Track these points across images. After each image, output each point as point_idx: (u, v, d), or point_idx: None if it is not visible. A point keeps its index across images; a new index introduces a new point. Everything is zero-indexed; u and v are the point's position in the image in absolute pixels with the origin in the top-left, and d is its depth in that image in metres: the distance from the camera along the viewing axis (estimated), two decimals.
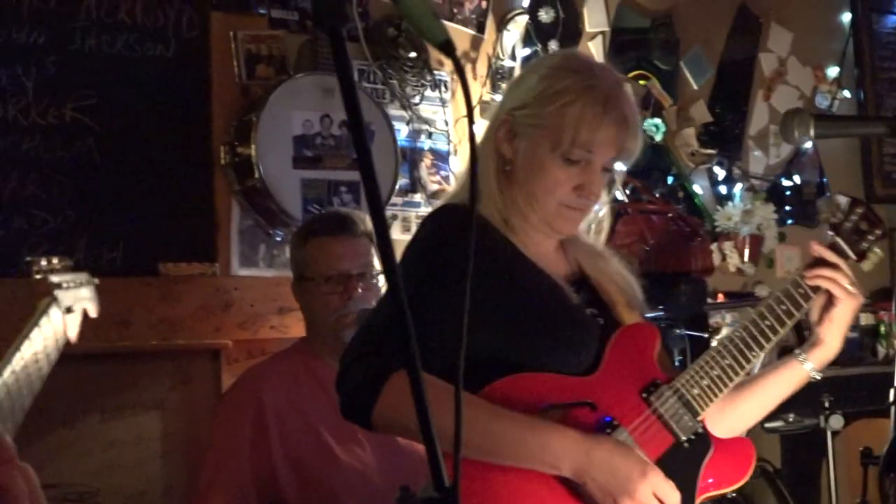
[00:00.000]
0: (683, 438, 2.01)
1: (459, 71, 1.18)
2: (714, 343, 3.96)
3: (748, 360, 2.07)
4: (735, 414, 2.13)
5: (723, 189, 4.81)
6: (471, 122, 1.25)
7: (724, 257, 4.64)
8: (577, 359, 1.99)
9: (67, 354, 2.93)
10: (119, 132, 3.28)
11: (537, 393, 1.93)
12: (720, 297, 4.31)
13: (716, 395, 2.04)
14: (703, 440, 2.03)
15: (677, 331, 3.52)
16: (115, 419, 3.23)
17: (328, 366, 2.84)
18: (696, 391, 2.03)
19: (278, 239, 3.51)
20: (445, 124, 3.96)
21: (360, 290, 2.78)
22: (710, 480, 2.04)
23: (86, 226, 3.21)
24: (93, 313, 1.61)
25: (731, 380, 2.05)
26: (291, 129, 3.41)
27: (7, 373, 1.19)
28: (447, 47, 1.17)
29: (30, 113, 3.15)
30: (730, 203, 4.69)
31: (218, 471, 2.70)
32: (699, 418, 2.03)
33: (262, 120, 3.30)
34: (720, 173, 4.81)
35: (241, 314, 3.42)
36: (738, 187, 4.81)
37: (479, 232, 1.97)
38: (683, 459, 2.00)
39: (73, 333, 1.48)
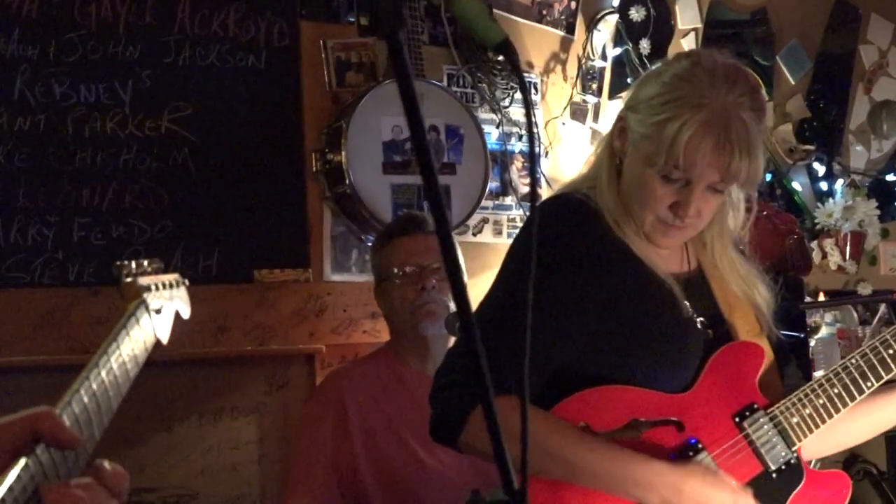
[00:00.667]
0: (773, 468, 1.92)
1: (517, 71, 1.16)
2: (812, 342, 3.91)
3: (861, 391, 1.94)
4: (843, 431, 2.04)
5: (823, 185, 4.71)
6: (529, 126, 1.24)
7: (824, 255, 4.52)
8: (675, 376, 1.93)
9: (166, 361, 3.02)
10: (213, 142, 3.34)
11: (625, 406, 1.89)
12: (821, 296, 4.20)
13: (817, 426, 1.93)
14: (794, 471, 1.94)
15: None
16: (213, 423, 3.29)
17: (412, 368, 2.87)
18: (795, 420, 1.92)
19: (370, 244, 3.54)
20: (535, 126, 3.94)
21: (434, 283, 2.80)
22: None
23: (182, 234, 3.28)
24: (185, 314, 1.60)
25: (837, 411, 1.93)
26: (381, 135, 3.44)
27: (95, 378, 1.20)
28: (505, 48, 1.15)
29: (127, 125, 3.24)
30: (830, 200, 4.57)
31: (301, 472, 2.74)
32: (794, 448, 1.93)
33: (351, 127, 3.34)
34: (820, 169, 4.71)
35: (335, 319, 3.47)
36: (838, 183, 4.70)
37: (591, 223, 1.92)
38: (770, 489, 1.91)
39: (163, 335, 1.47)
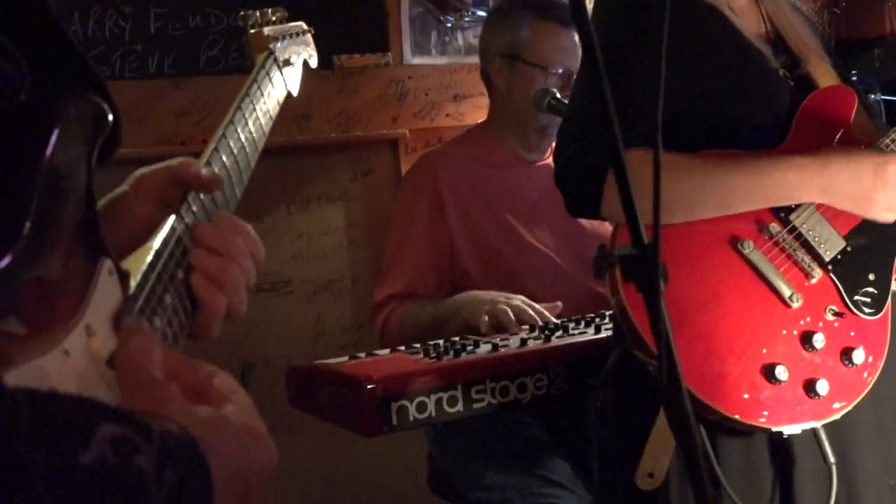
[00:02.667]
0: None
1: None
2: None
3: None
4: None
5: None
6: None
7: None
8: (765, 132, 1.88)
9: None
10: None
11: None
12: None
13: None
14: None
15: (872, 96, 3.32)
16: (302, 211, 3.31)
17: (509, 150, 2.82)
18: None
19: (449, 25, 3.45)
20: None
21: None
22: None
23: None
24: (313, 63, 1.55)
25: None
26: None
27: (232, 136, 1.17)
28: None
29: None
30: None
31: (396, 258, 2.74)
32: None
33: None
34: None
35: (417, 103, 3.42)
36: None
37: None
38: (879, 237, 1.88)
39: (293, 87, 1.44)
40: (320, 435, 2.77)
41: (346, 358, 2.33)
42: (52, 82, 0.80)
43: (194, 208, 1.06)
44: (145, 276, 0.94)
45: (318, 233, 3.30)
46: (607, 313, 2.34)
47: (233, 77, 3.07)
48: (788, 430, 1.78)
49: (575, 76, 2.67)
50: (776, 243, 1.84)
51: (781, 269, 1.83)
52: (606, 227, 2.77)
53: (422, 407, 2.04)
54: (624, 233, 1.63)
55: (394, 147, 3.40)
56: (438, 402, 2.05)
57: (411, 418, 2.03)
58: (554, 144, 2.82)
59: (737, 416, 1.74)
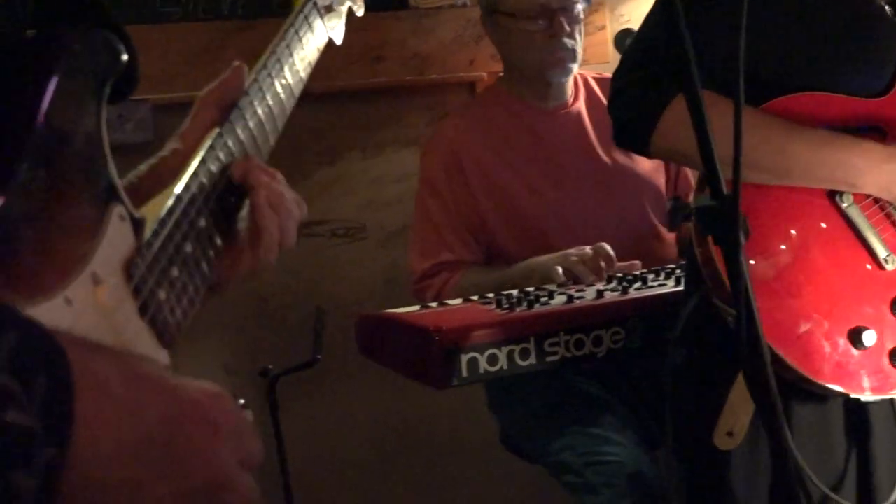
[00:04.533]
0: None
1: None
2: None
3: None
4: None
5: None
6: None
7: None
8: (869, 76, 1.75)
9: (324, 93, 2.96)
10: None
11: (819, 115, 1.72)
12: None
13: None
14: None
15: None
16: (376, 156, 3.26)
17: (532, 106, 2.72)
18: None
19: None
20: None
21: (566, 27, 2.58)
22: None
23: None
24: (359, 11, 1.51)
25: None
26: None
27: (265, 82, 1.14)
28: None
29: None
30: None
31: (427, 225, 2.68)
32: None
33: None
34: None
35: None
36: None
37: None
38: None
39: (336, 35, 1.39)
40: (392, 384, 2.73)
41: (417, 307, 2.28)
42: (58, 17, 0.76)
43: (226, 148, 1.03)
44: (162, 222, 0.90)
45: (392, 178, 3.24)
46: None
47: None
48: (867, 398, 1.69)
49: (567, 12, 2.56)
50: (876, 200, 1.73)
51: (879, 229, 1.72)
52: (644, 167, 2.67)
53: (493, 359, 1.99)
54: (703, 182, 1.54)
55: (471, 90, 3.31)
56: (510, 354, 1.99)
57: (482, 371, 1.98)
58: (571, 87, 2.73)
59: (815, 378, 1.65)
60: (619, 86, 1.82)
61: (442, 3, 3.25)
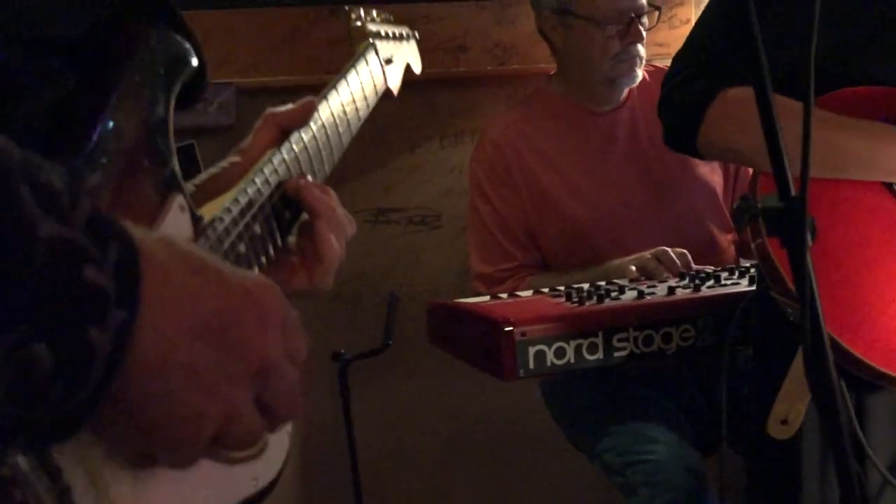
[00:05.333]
0: None
1: None
2: None
3: None
4: None
5: None
6: None
7: None
8: None
9: (406, 82, 2.97)
10: None
11: (873, 108, 1.69)
12: None
13: None
14: None
15: None
16: (455, 145, 3.27)
17: (584, 109, 2.69)
18: None
19: None
20: None
21: (642, 33, 2.57)
22: None
23: None
24: (416, 69, 1.59)
25: None
26: None
27: (325, 111, 1.18)
28: None
29: None
30: None
31: (483, 231, 2.66)
32: None
33: None
34: None
35: None
36: None
37: None
38: None
39: (394, 85, 1.46)
40: (461, 374, 2.73)
41: (487, 297, 2.29)
42: (138, 12, 0.79)
43: (284, 164, 1.07)
44: (219, 219, 0.93)
45: (468, 167, 3.24)
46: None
47: (391, 6, 3.02)
48: None
49: (641, 18, 2.53)
50: None
51: None
52: (701, 170, 2.63)
53: (560, 352, 1.98)
54: (765, 181, 1.52)
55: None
56: (578, 348, 1.98)
57: (549, 364, 1.98)
58: (626, 90, 2.70)
59: (877, 365, 1.63)
60: (667, 88, 1.81)
61: None
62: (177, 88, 0.85)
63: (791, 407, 1.67)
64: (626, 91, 2.70)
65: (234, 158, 1.07)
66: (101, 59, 0.76)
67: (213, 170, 1.06)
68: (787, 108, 1.56)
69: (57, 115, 0.73)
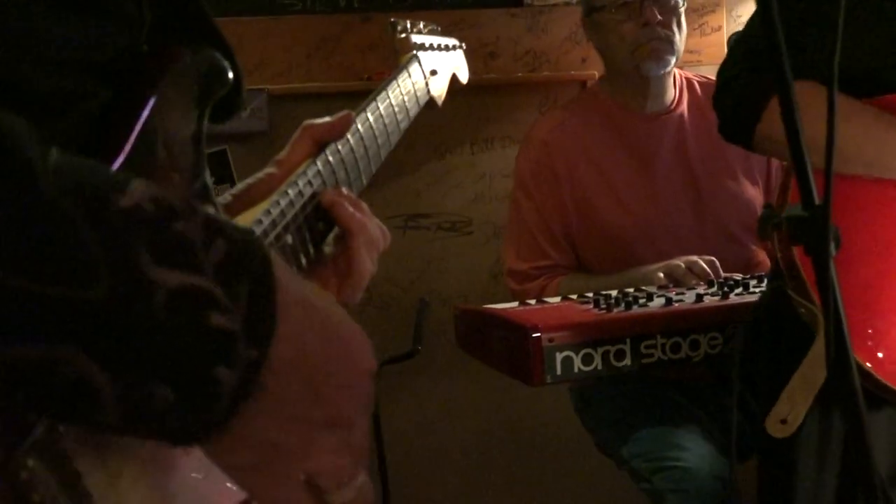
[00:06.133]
0: None
1: None
2: None
3: None
4: None
5: None
6: None
7: None
8: None
9: None
10: None
11: None
12: None
13: None
14: None
15: None
16: (485, 151, 3.28)
17: (631, 111, 2.67)
18: None
19: None
20: None
21: (658, 16, 2.52)
22: None
23: None
24: (463, 79, 1.59)
25: None
26: None
27: (363, 123, 1.19)
28: None
29: None
30: None
31: (523, 227, 2.65)
32: None
33: None
34: None
35: None
36: None
37: None
38: None
39: (438, 96, 1.46)
40: (490, 379, 2.75)
41: (515, 303, 2.29)
42: (171, 31, 0.81)
43: (319, 177, 1.08)
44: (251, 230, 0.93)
45: (500, 174, 3.25)
46: None
47: (423, 12, 3.04)
48: None
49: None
50: None
51: None
52: (743, 188, 2.61)
53: (588, 359, 1.99)
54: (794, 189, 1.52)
55: (583, 88, 3.30)
56: (605, 355, 1.99)
57: (576, 370, 1.98)
58: (673, 89, 2.68)
59: (882, 378, 1.62)
60: (724, 78, 1.81)
61: (556, 0, 3.25)
62: (210, 103, 0.86)
63: (793, 407, 1.66)
64: (672, 91, 2.68)
65: (271, 170, 1.08)
66: (135, 77, 0.77)
67: (249, 180, 1.08)
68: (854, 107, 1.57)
69: (89, 132, 0.75)
